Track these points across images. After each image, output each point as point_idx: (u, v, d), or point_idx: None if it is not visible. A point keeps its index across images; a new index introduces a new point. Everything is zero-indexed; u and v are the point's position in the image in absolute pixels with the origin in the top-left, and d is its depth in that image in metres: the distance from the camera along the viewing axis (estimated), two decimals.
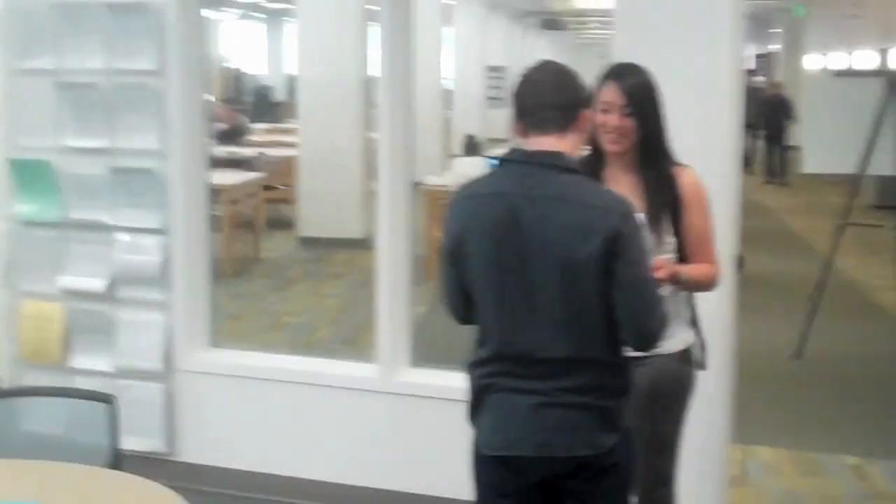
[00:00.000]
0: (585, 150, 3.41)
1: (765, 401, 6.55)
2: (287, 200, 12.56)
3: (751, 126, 16.45)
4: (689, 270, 3.42)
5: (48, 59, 5.14)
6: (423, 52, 9.19)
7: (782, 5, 25.55)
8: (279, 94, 29.16)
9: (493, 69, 26.00)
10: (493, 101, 26.65)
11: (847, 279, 10.13)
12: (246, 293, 9.72)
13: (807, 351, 7.52)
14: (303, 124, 11.99)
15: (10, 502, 2.88)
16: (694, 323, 3.60)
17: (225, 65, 27.58)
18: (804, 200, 16.49)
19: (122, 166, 5.08)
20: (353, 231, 11.41)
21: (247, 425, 5.11)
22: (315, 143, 11.60)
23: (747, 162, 16.29)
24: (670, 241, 3.46)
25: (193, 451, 5.16)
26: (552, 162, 2.89)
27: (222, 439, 5.15)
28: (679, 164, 3.51)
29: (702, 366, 3.63)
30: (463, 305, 3.06)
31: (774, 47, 29.53)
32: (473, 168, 9.74)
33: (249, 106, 25.68)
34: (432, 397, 4.74)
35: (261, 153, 13.16)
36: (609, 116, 3.39)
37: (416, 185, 7.10)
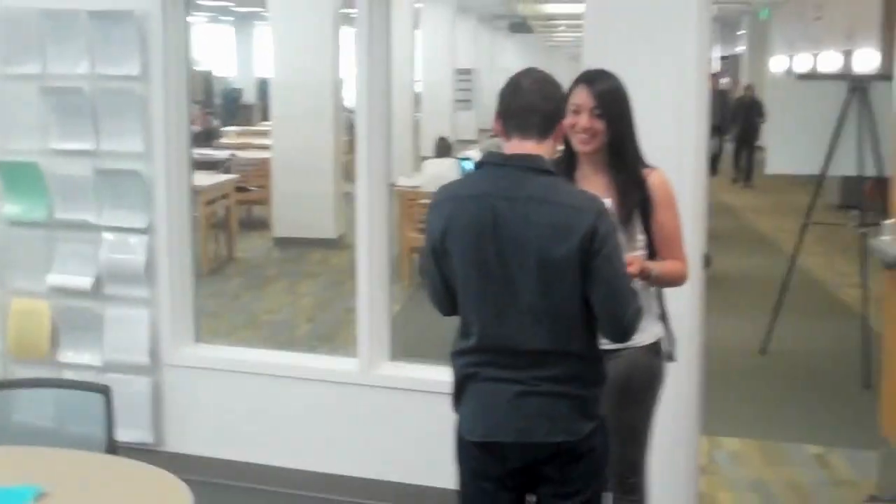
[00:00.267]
0: (558, 153, 3.50)
1: (732, 394, 6.71)
2: (260, 202, 12.65)
3: (718, 128, 16.57)
4: (659, 266, 3.53)
5: (35, 64, 5.22)
6: (394, 54, 9.26)
7: (747, 8, 25.84)
8: (249, 97, 29.16)
9: (462, 72, 26.02)
10: (461, 103, 26.65)
11: (811, 277, 10.29)
12: (222, 292, 9.79)
13: (772, 346, 7.67)
14: (276, 126, 12.02)
15: (9, 486, 2.92)
16: (663, 317, 3.71)
17: (195, 67, 27.58)
18: (770, 200, 16.60)
19: (108, 168, 5.17)
20: (326, 231, 11.52)
21: (232, 417, 5.21)
22: (288, 145, 11.62)
23: (714, 163, 16.42)
24: (641, 238, 3.58)
25: (180, 442, 5.26)
26: (530, 164, 2.99)
27: (208, 431, 5.25)
28: (648, 166, 3.62)
29: (671, 358, 3.74)
30: (447, 300, 3.16)
31: (740, 49, 29.75)
32: (445, 169, 9.83)
33: (219, 108, 25.67)
34: (411, 390, 4.87)
35: (233, 155, 13.22)
36: (580, 117, 3.51)
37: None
